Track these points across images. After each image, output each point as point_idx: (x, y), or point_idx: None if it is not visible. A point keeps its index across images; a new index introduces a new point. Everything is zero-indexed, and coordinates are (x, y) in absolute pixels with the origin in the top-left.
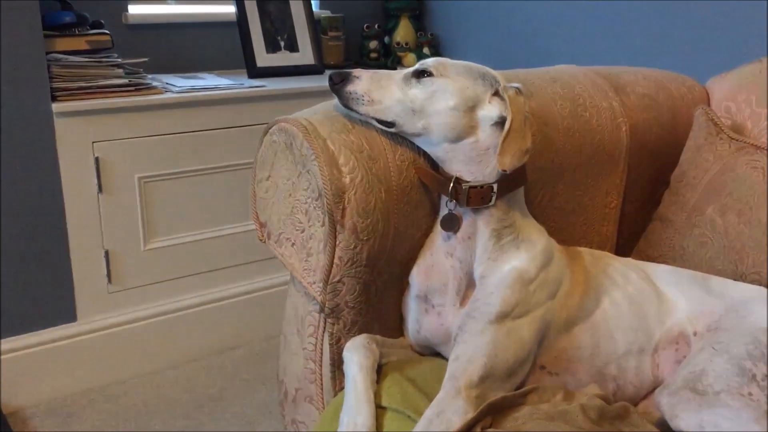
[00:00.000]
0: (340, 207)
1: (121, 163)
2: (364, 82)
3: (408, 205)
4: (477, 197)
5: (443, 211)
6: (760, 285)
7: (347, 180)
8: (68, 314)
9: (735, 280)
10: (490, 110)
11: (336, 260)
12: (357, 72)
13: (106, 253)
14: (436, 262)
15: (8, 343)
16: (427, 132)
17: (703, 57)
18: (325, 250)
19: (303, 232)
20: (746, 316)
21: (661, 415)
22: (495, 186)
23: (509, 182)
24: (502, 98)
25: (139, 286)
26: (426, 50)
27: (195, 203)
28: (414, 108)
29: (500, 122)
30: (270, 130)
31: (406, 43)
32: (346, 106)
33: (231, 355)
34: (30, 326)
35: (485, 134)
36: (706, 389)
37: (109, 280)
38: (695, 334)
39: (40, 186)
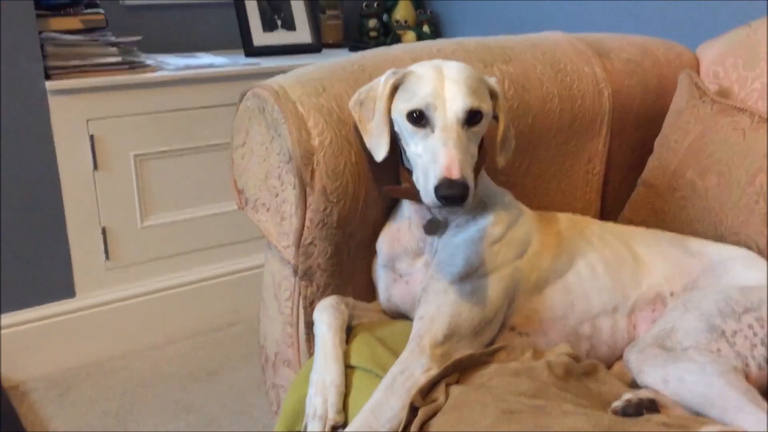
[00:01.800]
0: (309, 169)
1: (116, 141)
2: (469, 180)
3: (379, 169)
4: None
5: (418, 214)
6: (739, 245)
7: (316, 142)
8: (67, 290)
9: (714, 241)
10: (490, 113)
11: (307, 222)
12: (455, 172)
13: (103, 230)
14: (402, 231)
15: (8, 318)
16: None
17: (698, 25)
18: (296, 213)
19: (277, 196)
20: (723, 275)
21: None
22: None
23: (478, 167)
24: (493, 96)
25: (137, 263)
26: (426, 28)
27: (191, 180)
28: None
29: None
30: (245, 96)
31: (405, 21)
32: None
33: (228, 332)
34: (29, 301)
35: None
36: (674, 345)
37: (107, 257)
38: (672, 294)
39: (36, 163)
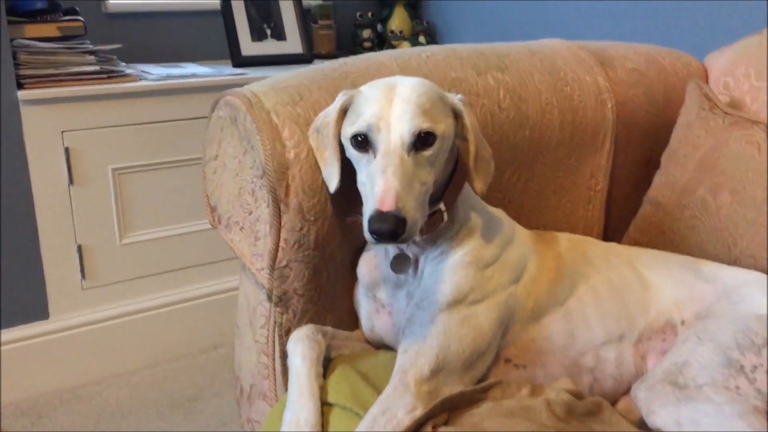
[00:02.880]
0: (284, 184)
1: (93, 154)
2: (408, 213)
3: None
4: (429, 227)
5: (389, 250)
6: (756, 269)
7: (291, 155)
8: (40, 311)
9: (728, 264)
10: (449, 134)
11: (282, 243)
12: (388, 203)
13: (79, 248)
14: (379, 258)
15: None
16: None
17: (704, 35)
18: (270, 232)
19: (251, 214)
20: (738, 303)
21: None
22: (442, 205)
23: (452, 192)
24: (457, 114)
25: (115, 282)
26: (421, 39)
27: (173, 196)
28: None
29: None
30: (217, 105)
31: (401, 32)
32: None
33: (212, 355)
34: (1, 323)
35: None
36: (687, 382)
37: (83, 276)
38: (683, 322)
39: (7, 177)
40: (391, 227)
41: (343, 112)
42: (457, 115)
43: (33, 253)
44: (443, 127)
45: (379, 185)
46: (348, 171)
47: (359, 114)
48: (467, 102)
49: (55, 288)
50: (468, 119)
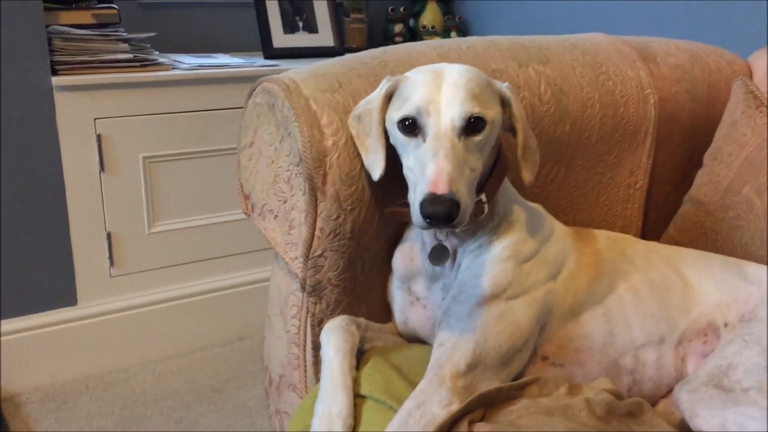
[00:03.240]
0: (321, 172)
1: (124, 142)
2: (461, 197)
3: (401, 175)
4: (470, 218)
5: (427, 241)
6: None
7: (329, 142)
8: (69, 297)
9: None
10: (498, 121)
11: (317, 232)
12: (442, 186)
13: (108, 236)
14: (415, 251)
15: (6, 324)
16: None
17: (748, 34)
18: (306, 221)
19: (285, 202)
20: None
21: (682, 415)
22: (483, 196)
23: (495, 182)
24: (505, 103)
25: (143, 270)
26: (453, 34)
27: (203, 186)
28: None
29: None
30: (254, 92)
31: (433, 27)
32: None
33: (237, 346)
34: (29, 308)
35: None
36: (732, 385)
37: (112, 264)
38: (726, 325)
39: (39, 163)
40: (446, 210)
41: (388, 98)
42: (504, 104)
43: (63, 240)
44: (492, 113)
45: (431, 168)
46: (389, 160)
47: (406, 98)
48: (514, 90)
49: (83, 275)
50: (516, 107)
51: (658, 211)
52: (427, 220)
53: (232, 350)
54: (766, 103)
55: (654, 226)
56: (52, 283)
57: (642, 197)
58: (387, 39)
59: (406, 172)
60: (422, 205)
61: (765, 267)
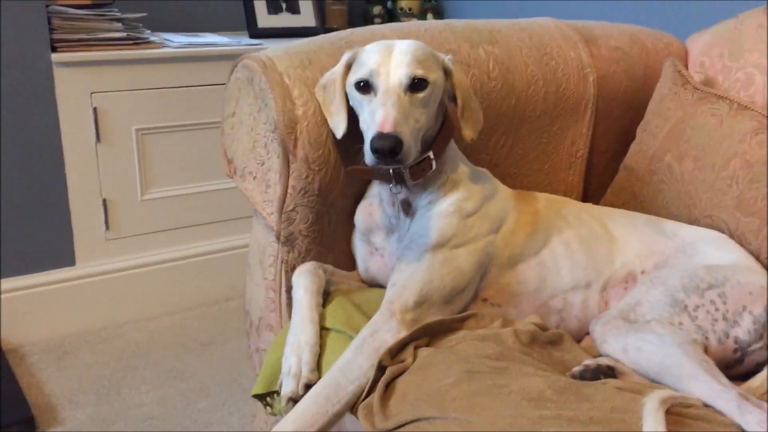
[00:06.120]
0: (293, 138)
1: (118, 114)
2: (404, 137)
3: (361, 141)
4: (419, 173)
5: (386, 192)
6: (712, 228)
7: (300, 112)
8: (67, 258)
9: (689, 223)
10: (440, 84)
11: (290, 190)
12: (388, 126)
13: (104, 202)
14: (374, 207)
15: (8, 282)
16: None
17: (694, 17)
18: (280, 180)
19: (263, 165)
20: (693, 255)
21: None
22: (431, 153)
23: (441, 143)
24: (447, 73)
25: (136, 234)
26: (429, 16)
27: (192, 156)
28: (419, 127)
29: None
30: (235, 68)
31: (410, 9)
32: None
33: (224, 306)
34: (30, 268)
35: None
36: (637, 318)
37: (107, 228)
38: (643, 272)
39: (40, 133)
40: (391, 144)
41: (348, 67)
42: (447, 74)
43: (62, 205)
44: (434, 76)
45: (380, 113)
46: (350, 122)
47: (362, 64)
48: (456, 62)
49: (81, 237)
50: (456, 75)
51: (600, 178)
52: (376, 155)
53: (219, 309)
54: (690, 82)
55: (596, 191)
56: (53, 245)
57: (582, 165)
58: (366, 20)
59: (362, 125)
60: (371, 141)
61: (680, 224)
